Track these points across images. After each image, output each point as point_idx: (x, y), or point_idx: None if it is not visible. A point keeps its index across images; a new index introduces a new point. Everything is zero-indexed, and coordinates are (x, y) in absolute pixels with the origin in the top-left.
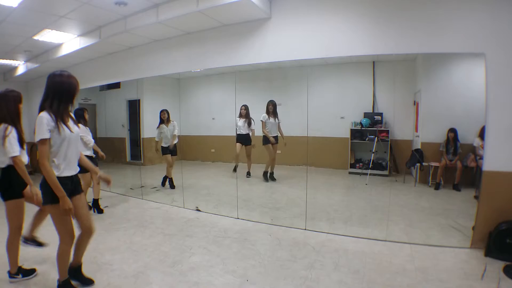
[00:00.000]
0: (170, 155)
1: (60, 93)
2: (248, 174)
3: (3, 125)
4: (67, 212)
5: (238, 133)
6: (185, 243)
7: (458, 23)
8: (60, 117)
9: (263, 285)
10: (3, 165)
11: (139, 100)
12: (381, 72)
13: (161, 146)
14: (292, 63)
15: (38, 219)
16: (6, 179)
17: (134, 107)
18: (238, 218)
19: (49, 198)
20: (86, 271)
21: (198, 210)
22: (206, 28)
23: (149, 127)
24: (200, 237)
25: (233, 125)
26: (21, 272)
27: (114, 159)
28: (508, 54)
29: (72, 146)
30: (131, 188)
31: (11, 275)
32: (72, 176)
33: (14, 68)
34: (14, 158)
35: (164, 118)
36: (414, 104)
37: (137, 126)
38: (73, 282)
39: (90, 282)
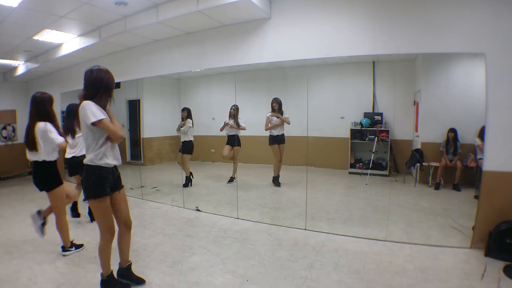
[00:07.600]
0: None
1: (103, 88)
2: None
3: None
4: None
5: (229, 134)
6: (185, 243)
7: (458, 23)
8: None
9: (263, 285)
10: (39, 159)
11: (139, 100)
12: (381, 72)
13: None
14: (292, 63)
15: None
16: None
17: (134, 107)
18: (238, 218)
19: (91, 193)
20: (85, 270)
21: (198, 210)
22: (206, 28)
23: (149, 127)
24: (200, 237)
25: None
26: (74, 245)
27: None
28: (508, 54)
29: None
30: (131, 188)
31: (65, 249)
32: (112, 168)
33: (14, 68)
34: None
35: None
36: (414, 104)
37: (137, 126)
38: (124, 281)
39: (141, 281)
